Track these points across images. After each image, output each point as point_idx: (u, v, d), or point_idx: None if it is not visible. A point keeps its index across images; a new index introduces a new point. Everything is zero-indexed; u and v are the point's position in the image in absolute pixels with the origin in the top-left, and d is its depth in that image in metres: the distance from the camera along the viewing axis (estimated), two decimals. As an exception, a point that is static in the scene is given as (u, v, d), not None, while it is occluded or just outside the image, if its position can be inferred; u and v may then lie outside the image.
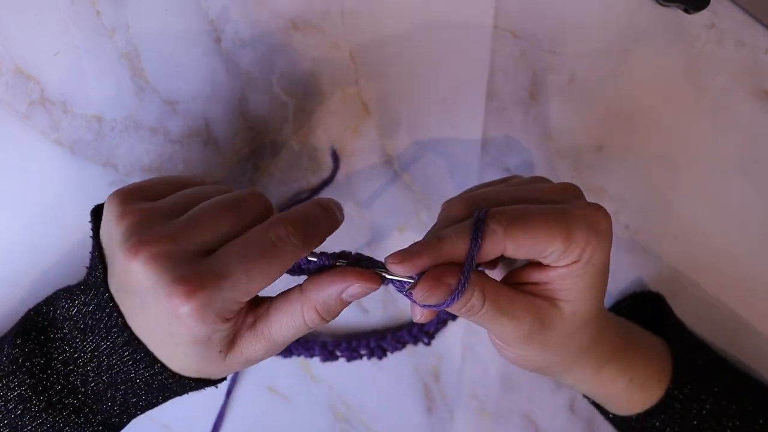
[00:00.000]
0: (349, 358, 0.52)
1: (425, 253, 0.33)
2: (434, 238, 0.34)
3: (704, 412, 0.44)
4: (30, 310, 0.40)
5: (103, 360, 0.36)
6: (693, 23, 0.49)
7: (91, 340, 0.36)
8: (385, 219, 0.51)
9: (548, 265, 0.35)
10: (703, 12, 0.47)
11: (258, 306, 0.36)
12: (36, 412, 0.37)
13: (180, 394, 0.38)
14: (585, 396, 0.48)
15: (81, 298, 0.37)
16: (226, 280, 0.32)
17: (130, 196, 0.35)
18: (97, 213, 0.38)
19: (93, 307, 0.36)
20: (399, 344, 0.53)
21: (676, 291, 0.52)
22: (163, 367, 0.35)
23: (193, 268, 0.32)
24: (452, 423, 0.54)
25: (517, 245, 0.33)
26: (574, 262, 0.34)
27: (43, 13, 0.44)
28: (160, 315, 0.33)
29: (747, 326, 0.53)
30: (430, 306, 0.34)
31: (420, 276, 0.33)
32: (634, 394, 0.44)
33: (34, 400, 0.37)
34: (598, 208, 0.35)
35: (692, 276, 0.53)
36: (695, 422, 0.44)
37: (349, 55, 0.48)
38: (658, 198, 0.52)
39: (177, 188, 0.37)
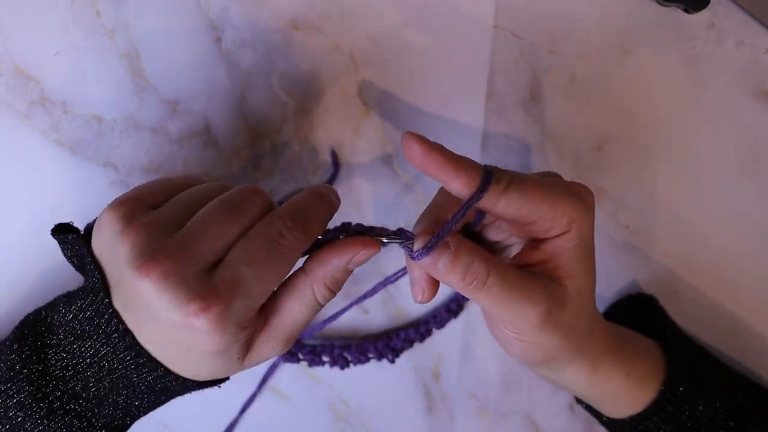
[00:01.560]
0: (358, 362, 0.52)
1: (444, 154, 0.34)
2: (452, 154, 0.34)
3: (697, 414, 0.44)
4: (29, 314, 0.39)
5: (104, 365, 0.36)
6: (693, 23, 0.49)
7: (90, 346, 0.36)
8: (385, 219, 0.51)
9: (542, 241, 0.36)
10: (703, 12, 0.47)
11: (264, 304, 0.35)
12: (37, 419, 0.37)
13: (182, 394, 0.38)
14: (579, 402, 0.48)
15: (78, 303, 0.36)
16: (240, 289, 0.32)
17: (129, 210, 0.34)
18: (59, 230, 0.37)
19: (91, 313, 0.36)
20: (406, 343, 0.53)
21: (676, 291, 0.52)
22: (167, 371, 0.35)
23: (205, 283, 0.32)
24: (452, 423, 0.54)
25: (509, 203, 0.34)
26: (565, 232, 0.36)
27: (43, 13, 0.44)
28: (175, 332, 0.33)
29: (746, 326, 0.53)
30: (414, 255, 0.35)
31: (412, 238, 0.35)
32: (630, 390, 0.43)
33: (35, 407, 0.37)
34: (584, 185, 0.37)
35: (692, 276, 0.53)
36: (688, 424, 0.44)
37: (349, 55, 0.48)
38: (658, 198, 0.52)
39: (175, 191, 0.36)
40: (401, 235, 0.36)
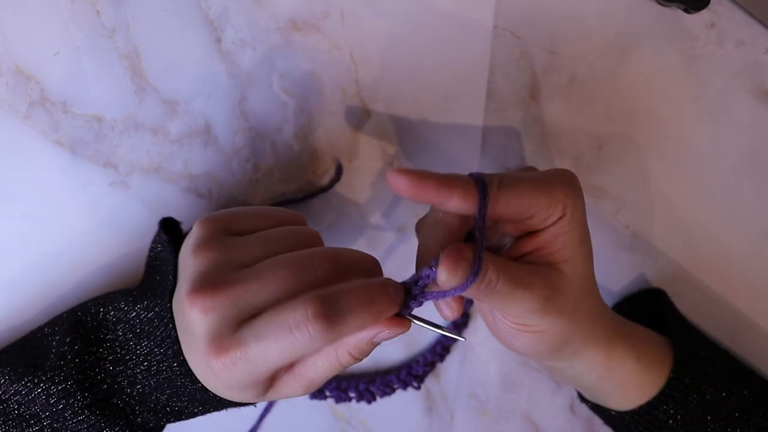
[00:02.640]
0: (383, 394, 0.53)
1: (432, 177, 0.34)
2: (440, 175, 0.34)
3: (705, 402, 0.44)
4: (76, 310, 0.41)
5: (153, 365, 0.37)
6: (693, 23, 0.49)
7: (146, 345, 0.37)
8: (385, 219, 0.51)
9: (537, 231, 0.37)
10: (703, 12, 0.47)
11: None
12: (78, 408, 0.38)
13: (219, 410, 0.39)
14: (583, 400, 0.48)
15: (143, 303, 0.38)
16: (245, 352, 0.32)
17: (216, 228, 0.36)
18: (165, 224, 0.40)
19: (153, 315, 0.38)
20: (428, 367, 0.53)
21: (675, 291, 0.52)
22: (204, 387, 0.37)
23: (231, 330, 0.33)
24: (452, 423, 0.54)
25: (507, 203, 0.35)
26: (560, 217, 0.36)
27: (43, 13, 0.44)
28: (199, 360, 0.35)
29: (747, 326, 0.53)
30: (454, 290, 0.34)
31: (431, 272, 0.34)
32: (641, 375, 0.43)
33: (78, 396, 0.38)
34: (565, 169, 0.38)
35: (692, 276, 0.53)
36: (696, 413, 0.44)
37: (349, 55, 0.48)
38: (658, 198, 0.52)
39: (266, 223, 0.37)
40: (444, 329, 0.36)
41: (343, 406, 0.54)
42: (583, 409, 0.49)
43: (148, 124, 0.47)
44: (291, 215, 0.39)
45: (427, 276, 0.34)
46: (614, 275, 0.53)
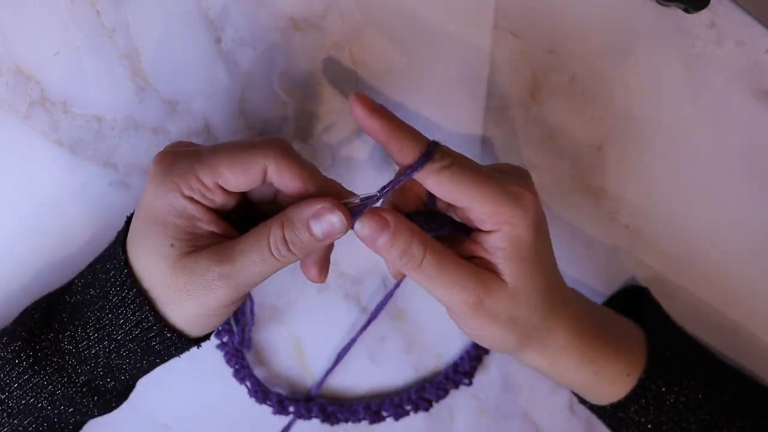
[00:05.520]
0: (396, 416, 0.52)
1: (387, 119, 0.35)
2: (400, 124, 0.36)
3: (680, 405, 0.44)
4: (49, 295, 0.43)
5: (105, 314, 0.37)
6: (693, 23, 0.49)
7: (98, 289, 0.38)
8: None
9: (477, 235, 0.37)
10: (703, 12, 0.47)
11: (225, 238, 0.37)
12: (23, 369, 0.38)
13: (165, 357, 0.39)
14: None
15: (100, 261, 0.39)
16: (195, 153, 0.36)
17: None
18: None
19: (106, 258, 0.39)
20: (441, 392, 0.53)
21: (675, 290, 0.52)
22: (156, 326, 0.37)
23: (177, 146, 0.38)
24: (452, 423, 0.54)
25: (438, 184, 0.36)
26: (496, 230, 0.37)
27: (43, 13, 0.44)
28: (146, 187, 0.37)
29: (746, 327, 0.53)
30: (354, 220, 0.35)
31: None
32: (601, 386, 0.44)
33: (23, 356, 0.38)
34: (530, 189, 0.38)
35: (692, 275, 0.53)
36: (670, 414, 0.44)
37: (349, 55, 0.48)
38: (657, 198, 0.52)
39: None
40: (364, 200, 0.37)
41: (343, 406, 0.54)
42: (583, 408, 0.49)
43: (148, 124, 0.47)
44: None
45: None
46: (613, 274, 0.53)
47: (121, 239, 0.38)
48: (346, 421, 0.52)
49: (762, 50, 0.50)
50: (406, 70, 0.49)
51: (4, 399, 0.39)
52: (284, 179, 0.36)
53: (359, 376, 0.53)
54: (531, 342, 0.40)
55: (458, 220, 0.40)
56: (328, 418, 0.52)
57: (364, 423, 0.52)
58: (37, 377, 0.38)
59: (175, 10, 0.46)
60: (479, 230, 0.38)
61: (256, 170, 0.36)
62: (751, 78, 0.50)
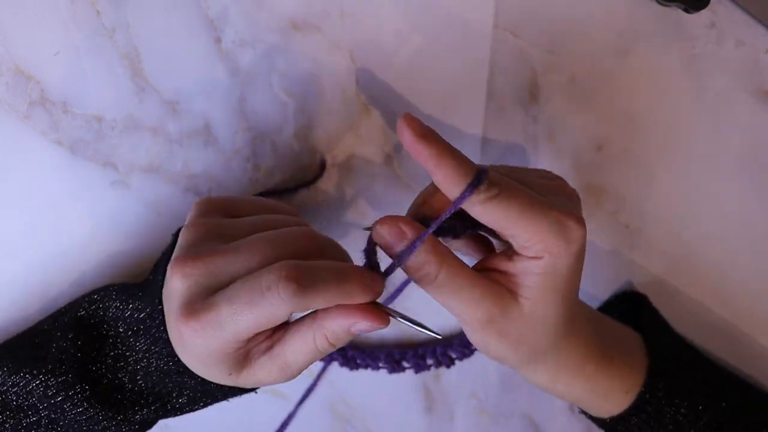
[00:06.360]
0: (417, 369, 0.51)
1: (436, 146, 0.34)
2: (449, 150, 0.34)
3: (679, 416, 0.44)
4: (76, 306, 0.41)
5: (152, 362, 0.38)
6: (693, 23, 0.49)
7: (143, 342, 0.38)
8: (385, 219, 0.51)
9: (514, 255, 0.36)
10: (703, 12, 0.47)
11: (276, 330, 0.35)
12: (78, 401, 0.38)
13: (221, 399, 0.40)
14: None
15: (135, 303, 0.39)
16: (215, 318, 0.32)
17: (208, 208, 0.37)
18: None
19: (145, 315, 0.38)
20: (467, 350, 0.52)
21: (675, 290, 0.52)
22: (205, 381, 0.37)
23: (204, 296, 0.33)
24: (452, 423, 0.54)
25: (486, 213, 0.34)
26: (537, 257, 0.35)
27: (43, 13, 0.44)
28: (173, 329, 0.35)
29: (746, 328, 0.53)
30: (395, 256, 0.35)
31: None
32: (600, 402, 0.44)
33: (78, 388, 0.38)
34: (578, 219, 0.36)
35: (692, 275, 0.53)
36: (670, 427, 0.44)
37: (349, 55, 0.48)
38: (658, 198, 0.52)
39: (261, 210, 0.38)
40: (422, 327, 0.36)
41: (343, 406, 0.54)
42: (583, 409, 0.49)
43: (148, 124, 0.47)
44: (286, 208, 0.40)
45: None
46: (613, 274, 0.53)
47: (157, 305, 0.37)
48: (366, 367, 0.51)
49: (762, 50, 0.50)
50: (406, 71, 0.49)
51: (56, 419, 0.38)
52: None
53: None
54: (536, 362, 0.40)
55: (501, 239, 0.39)
56: (348, 362, 0.51)
57: (383, 373, 0.51)
58: (93, 411, 0.38)
59: (175, 10, 0.46)
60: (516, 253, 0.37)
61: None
62: (751, 78, 0.50)
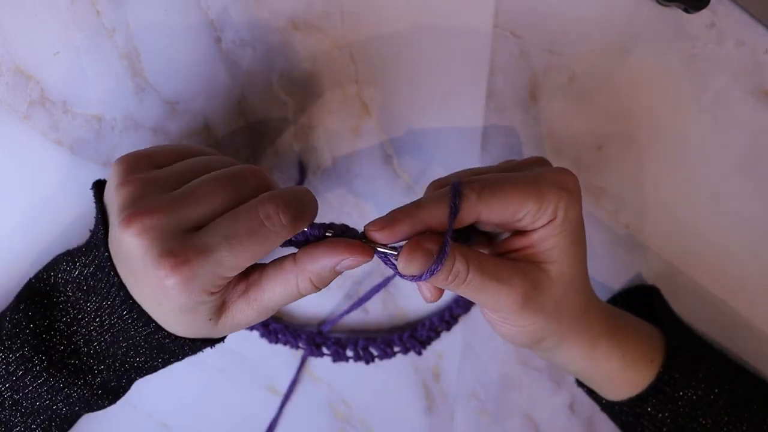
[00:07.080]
0: (335, 358, 0.52)
1: (404, 219, 0.35)
2: (412, 204, 0.35)
3: (695, 398, 0.44)
4: (30, 279, 0.41)
5: (105, 319, 0.36)
6: (693, 23, 0.49)
7: (94, 300, 0.37)
8: (385, 219, 0.51)
9: (527, 231, 0.37)
10: (703, 12, 0.47)
11: (249, 273, 0.36)
12: (37, 372, 0.37)
13: (179, 356, 0.39)
14: (579, 385, 0.48)
15: (82, 260, 0.38)
16: (211, 257, 0.32)
17: (134, 164, 0.35)
18: (99, 184, 0.39)
19: (93, 268, 0.37)
20: (432, 333, 0.52)
21: (675, 290, 0.52)
22: (159, 327, 0.36)
23: (180, 242, 0.32)
24: (452, 423, 0.54)
25: (491, 209, 0.35)
26: (551, 220, 0.36)
27: (43, 13, 0.44)
28: (148, 285, 0.33)
29: (746, 325, 0.53)
30: (414, 277, 0.35)
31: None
32: (627, 371, 0.44)
33: (35, 360, 0.37)
34: (564, 169, 0.37)
35: (691, 275, 0.53)
36: (686, 409, 0.44)
37: (349, 55, 0.48)
38: (658, 198, 0.52)
39: (183, 157, 0.37)
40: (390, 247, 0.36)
41: (342, 406, 0.54)
42: (583, 408, 0.49)
43: (148, 123, 0.47)
44: (206, 149, 0.39)
45: (388, 258, 0.35)
46: (613, 274, 0.53)
47: (102, 244, 0.36)
48: (334, 359, 0.51)
49: (762, 50, 0.50)
50: (406, 71, 0.49)
51: (19, 400, 0.38)
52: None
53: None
54: (579, 329, 0.40)
55: (506, 231, 0.39)
56: (316, 350, 0.51)
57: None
58: (53, 380, 0.38)
59: (175, 10, 0.46)
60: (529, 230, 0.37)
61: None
62: (751, 78, 0.50)
